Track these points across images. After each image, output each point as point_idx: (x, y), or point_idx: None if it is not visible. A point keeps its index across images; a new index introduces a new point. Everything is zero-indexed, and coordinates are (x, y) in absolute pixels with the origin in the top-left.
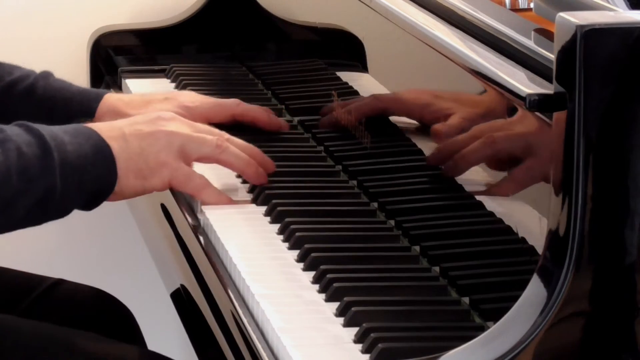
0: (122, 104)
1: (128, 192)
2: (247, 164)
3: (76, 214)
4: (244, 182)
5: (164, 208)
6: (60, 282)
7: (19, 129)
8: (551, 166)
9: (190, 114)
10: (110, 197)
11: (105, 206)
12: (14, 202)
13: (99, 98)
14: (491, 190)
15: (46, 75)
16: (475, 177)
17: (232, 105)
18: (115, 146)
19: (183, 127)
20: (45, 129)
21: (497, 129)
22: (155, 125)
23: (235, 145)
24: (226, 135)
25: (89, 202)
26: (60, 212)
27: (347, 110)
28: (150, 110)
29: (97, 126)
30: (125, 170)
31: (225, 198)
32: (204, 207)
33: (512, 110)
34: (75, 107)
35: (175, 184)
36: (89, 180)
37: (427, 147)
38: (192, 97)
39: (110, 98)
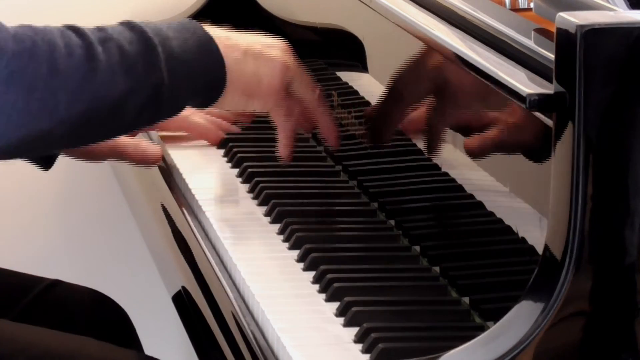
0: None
1: (229, 104)
2: (334, 124)
3: (75, 215)
4: (244, 182)
5: (164, 209)
6: (57, 283)
7: (122, 27)
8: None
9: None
10: (216, 104)
11: (105, 206)
12: (123, 102)
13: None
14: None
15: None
16: (475, 177)
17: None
18: (229, 58)
19: (295, 62)
20: (149, 25)
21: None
22: (274, 51)
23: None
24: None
25: (204, 96)
26: (174, 108)
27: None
28: None
29: (213, 31)
30: (237, 82)
31: (290, 151)
32: (204, 207)
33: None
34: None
35: (274, 115)
36: (198, 72)
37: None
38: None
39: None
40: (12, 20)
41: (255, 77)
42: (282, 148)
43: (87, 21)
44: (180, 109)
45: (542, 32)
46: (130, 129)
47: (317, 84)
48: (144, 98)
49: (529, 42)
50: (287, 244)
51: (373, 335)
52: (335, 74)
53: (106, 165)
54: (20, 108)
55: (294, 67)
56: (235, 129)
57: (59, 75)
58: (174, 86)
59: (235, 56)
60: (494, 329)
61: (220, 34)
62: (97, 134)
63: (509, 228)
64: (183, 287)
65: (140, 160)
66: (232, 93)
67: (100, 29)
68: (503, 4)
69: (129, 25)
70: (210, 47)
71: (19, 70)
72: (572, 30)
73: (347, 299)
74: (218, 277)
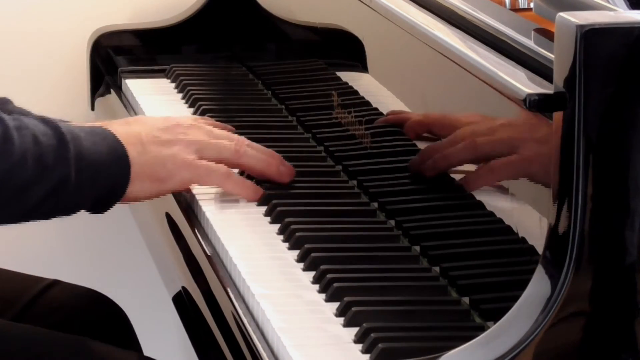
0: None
1: (143, 195)
2: (267, 164)
3: (75, 215)
4: None
5: (167, 215)
6: (55, 283)
7: (35, 120)
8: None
9: None
10: (124, 199)
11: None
12: (28, 188)
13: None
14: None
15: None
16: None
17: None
18: (131, 150)
19: (202, 134)
20: (62, 124)
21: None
22: (174, 133)
23: (254, 147)
24: (247, 141)
25: (100, 202)
26: (70, 207)
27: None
28: None
29: (114, 129)
30: (141, 174)
31: (251, 186)
32: (204, 208)
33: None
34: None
35: (197, 180)
36: (103, 177)
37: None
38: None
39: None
40: (12, 19)
41: (158, 162)
42: (244, 196)
43: (87, 21)
44: (76, 208)
45: (542, 32)
46: (25, 218)
47: (230, 137)
48: (49, 189)
49: (529, 42)
50: (287, 244)
51: (373, 335)
52: (335, 74)
53: None
54: None
55: (196, 139)
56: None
57: None
58: (77, 183)
59: (137, 148)
60: (494, 329)
61: (122, 131)
62: None
63: (509, 228)
64: (183, 288)
65: None
66: (140, 182)
67: (16, 118)
68: (503, 4)
69: (43, 120)
70: (118, 154)
71: None
72: (572, 30)
73: (347, 299)
74: (218, 277)
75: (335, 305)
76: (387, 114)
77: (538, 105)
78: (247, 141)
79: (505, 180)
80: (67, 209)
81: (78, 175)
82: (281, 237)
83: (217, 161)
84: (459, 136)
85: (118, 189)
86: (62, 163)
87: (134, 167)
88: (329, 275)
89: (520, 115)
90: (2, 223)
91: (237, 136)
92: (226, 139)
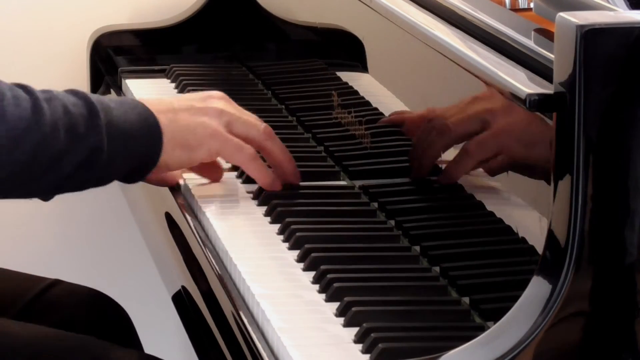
0: None
1: (173, 163)
2: (289, 159)
3: (75, 215)
4: (244, 182)
5: (167, 215)
6: (57, 282)
7: (64, 92)
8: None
9: None
10: (156, 170)
11: (106, 206)
12: (61, 157)
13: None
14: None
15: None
16: (475, 176)
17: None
18: (162, 118)
19: (233, 108)
20: (91, 94)
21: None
22: (206, 102)
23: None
24: (270, 129)
25: (133, 171)
26: (104, 177)
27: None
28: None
29: (144, 99)
30: (172, 142)
31: (271, 174)
32: (204, 208)
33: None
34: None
35: (224, 154)
36: (135, 145)
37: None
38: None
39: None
40: (12, 19)
41: (189, 129)
42: (262, 182)
43: (87, 21)
44: (109, 178)
45: (542, 32)
46: (60, 188)
47: (260, 121)
48: (82, 158)
49: (529, 42)
50: (287, 244)
51: (373, 335)
52: (335, 74)
53: None
54: None
55: (228, 111)
56: None
57: (5, 122)
58: (110, 152)
59: (169, 116)
60: (494, 329)
61: (153, 101)
62: (31, 185)
63: (509, 228)
64: (183, 287)
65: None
66: (171, 150)
67: (45, 91)
68: (503, 4)
69: (73, 92)
70: (149, 122)
71: None
72: (572, 30)
73: (347, 299)
74: (218, 277)
75: (335, 305)
76: (390, 115)
77: (538, 105)
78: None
79: (484, 161)
80: (101, 179)
81: (110, 144)
82: (281, 237)
83: (244, 138)
84: (432, 125)
85: (151, 158)
86: (94, 131)
87: (166, 135)
88: (329, 276)
89: (487, 91)
90: (38, 195)
91: (265, 124)
92: (255, 119)
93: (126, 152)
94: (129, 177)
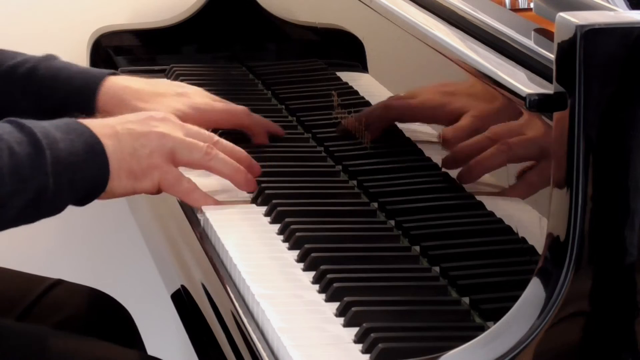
0: (129, 93)
1: (119, 191)
2: (235, 171)
3: (76, 215)
4: None
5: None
6: (59, 282)
7: (10, 126)
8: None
9: (200, 116)
10: (102, 196)
11: (106, 207)
12: (5, 202)
13: (101, 77)
14: (504, 193)
15: (50, 57)
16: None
17: (242, 116)
18: (108, 145)
19: (175, 130)
20: (37, 126)
21: (510, 132)
22: (148, 125)
23: (224, 148)
24: (215, 137)
25: (81, 200)
26: (53, 210)
27: (358, 120)
28: (160, 105)
29: (89, 123)
30: (118, 170)
31: (211, 200)
32: (204, 208)
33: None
34: (76, 84)
35: (164, 186)
36: (81, 178)
37: (428, 147)
38: (204, 99)
39: (116, 84)
40: (12, 19)
41: (133, 157)
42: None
43: (87, 21)
44: (59, 210)
45: (542, 32)
46: (7, 227)
47: (199, 132)
48: (27, 200)
49: (529, 42)
50: (287, 244)
51: (373, 335)
52: (335, 74)
53: None
54: None
55: (170, 135)
56: None
57: None
58: (56, 189)
59: (114, 142)
60: (494, 329)
61: (96, 123)
62: None
63: (509, 228)
64: (182, 286)
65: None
66: (117, 178)
67: None
68: (503, 4)
69: (18, 125)
70: (96, 151)
71: None
72: (572, 30)
73: (347, 299)
74: (218, 277)
75: (335, 305)
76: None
77: (538, 105)
78: (216, 137)
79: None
80: (49, 212)
81: (56, 181)
82: (281, 237)
83: (188, 162)
84: (483, 140)
85: (98, 187)
86: (40, 172)
87: (112, 164)
88: (329, 275)
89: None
90: None
91: (208, 134)
92: (198, 136)
93: (72, 186)
94: (79, 203)
